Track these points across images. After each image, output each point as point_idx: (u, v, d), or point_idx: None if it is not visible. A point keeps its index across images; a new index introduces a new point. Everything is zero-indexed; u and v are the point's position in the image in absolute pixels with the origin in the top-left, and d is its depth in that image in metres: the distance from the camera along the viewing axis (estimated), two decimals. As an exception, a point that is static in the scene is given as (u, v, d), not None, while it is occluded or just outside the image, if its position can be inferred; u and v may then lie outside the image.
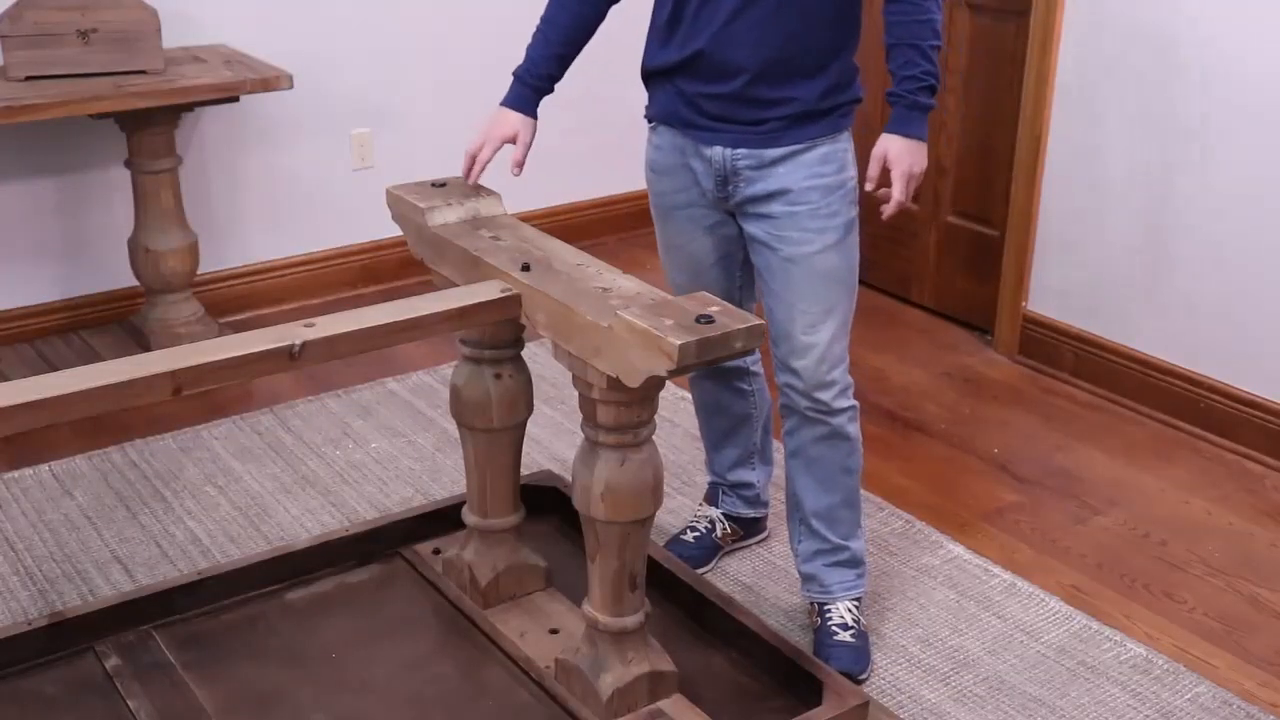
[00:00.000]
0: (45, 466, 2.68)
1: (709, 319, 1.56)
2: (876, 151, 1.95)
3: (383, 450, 2.79)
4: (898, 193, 1.94)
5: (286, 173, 3.43)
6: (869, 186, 1.99)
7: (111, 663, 1.92)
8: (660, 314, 1.58)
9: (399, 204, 1.96)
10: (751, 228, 2.00)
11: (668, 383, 1.66)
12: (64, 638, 1.95)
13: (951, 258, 3.48)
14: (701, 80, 1.94)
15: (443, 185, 1.97)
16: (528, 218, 3.58)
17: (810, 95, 1.92)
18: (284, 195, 3.45)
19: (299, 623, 2.03)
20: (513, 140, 1.96)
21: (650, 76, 2.02)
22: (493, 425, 1.94)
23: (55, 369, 2.76)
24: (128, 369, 1.48)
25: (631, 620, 1.79)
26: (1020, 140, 3.16)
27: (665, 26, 1.96)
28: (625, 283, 1.71)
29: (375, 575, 2.15)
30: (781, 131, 1.93)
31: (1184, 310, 2.93)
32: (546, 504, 2.29)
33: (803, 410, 2.04)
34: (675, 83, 1.97)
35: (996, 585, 2.37)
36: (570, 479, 1.82)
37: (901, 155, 1.93)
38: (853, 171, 1.99)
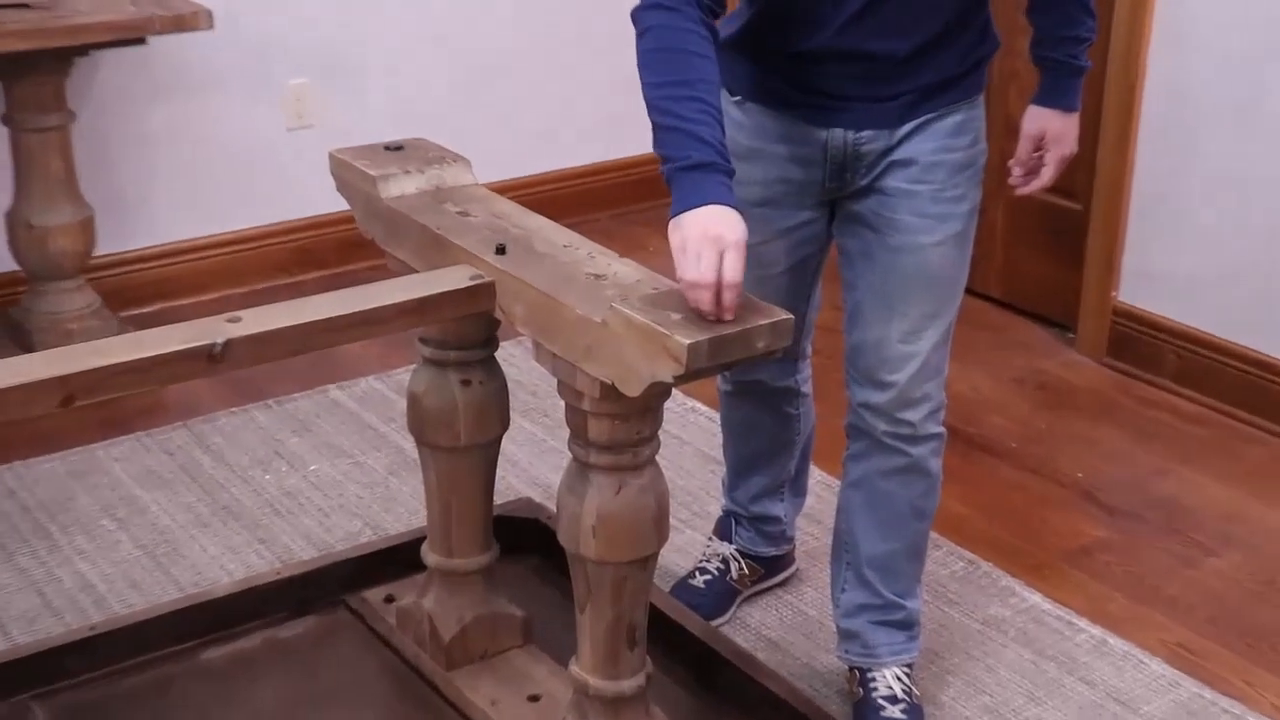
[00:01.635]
0: (-94, 494, 2.69)
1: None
2: (1030, 128, 2.03)
3: (324, 474, 2.79)
4: (1049, 178, 2.04)
5: (206, 133, 3.44)
6: (1017, 172, 2.06)
7: (-15, 738, 1.92)
8: (665, 306, 1.58)
9: (345, 171, 1.96)
10: (853, 204, 1.97)
11: (675, 391, 1.66)
12: (-75, 708, 1.95)
13: (1023, 237, 3.48)
14: (816, 63, 1.89)
15: (398, 149, 1.98)
16: (503, 188, 3.56)
17: (951, 60, 1.90)
18: (202, 160, 3.46)
19: (218, 689, 2.03)
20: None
21: (735, 46, 1.92)
22: (459, 443, 1.94)
23: (-81, 374, 2.75)
24: (5, 374, 1.48)
25: (630, 684, 1.79)
26: (1109, 88, 3.16)
27: (761, 18, 1.87)
28: (623, 268, 1.71)
29: (313, 629, 2.15)
30: (916, 104, 1.91)
31: (1312, 302, 2.94)
32: (525, 540, 2.29)
33: (879, 434, 2.04)
34: (778, 59, 1.91)
35: (1083, 643, 2.37)
36: (554, 509, 1.82)
37: (1063, 135, 2.02)
38: (985, 144, 1.99)
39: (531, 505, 2.39)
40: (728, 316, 1.54)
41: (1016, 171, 2.08)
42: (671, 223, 1.63)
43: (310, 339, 1.62)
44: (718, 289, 1.54)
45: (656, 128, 1.68)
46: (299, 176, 3.51)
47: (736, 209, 1.63)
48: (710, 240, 1.57)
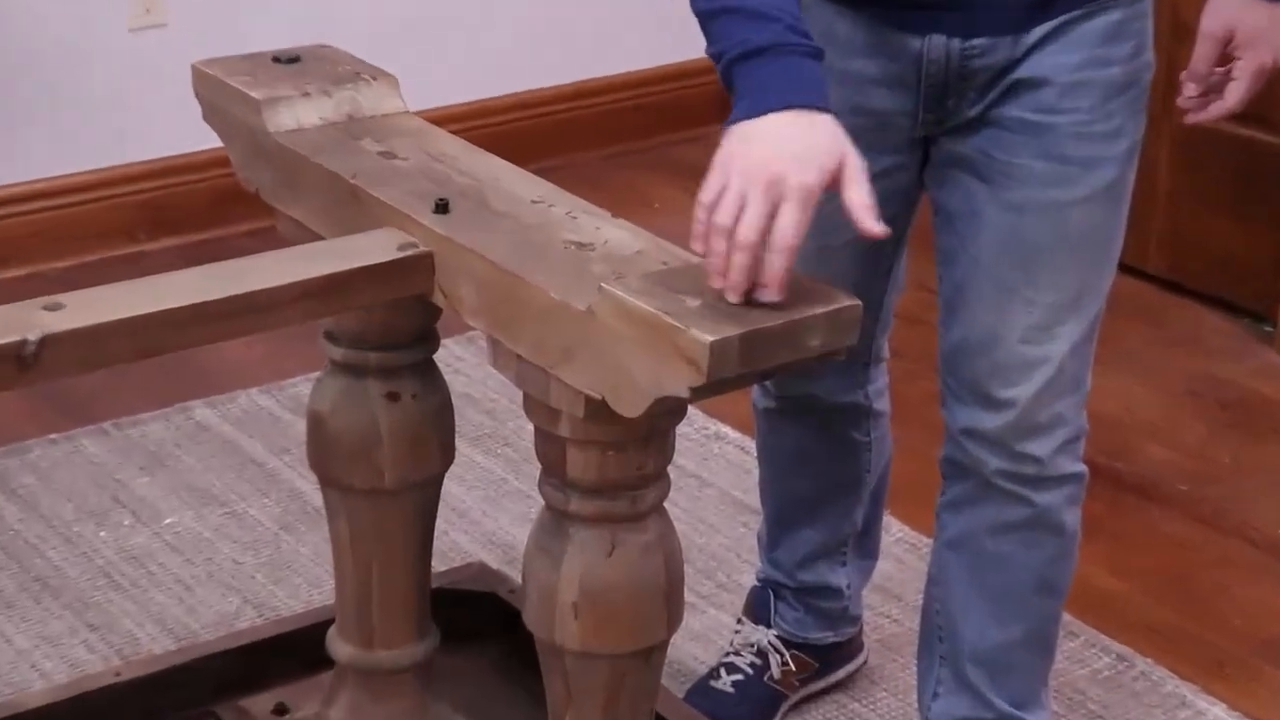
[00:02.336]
0: None
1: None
2: (1213, 25, 1.99)
3: (185, 529, 2.81)
4: (1237, 99, 1.99)
5: (10, 33, 3.44)
6: (1191, 89, 2.02)
7: None
8: (677, 288, 1.58)
9: (216, 92, 1.97)
10: (956, 143, 1.99)
11: (692, 410, 1.68)
12: None
13: (1198, 186, 3.49)
14: None
15: (294, 61, 1.99)
16: (446, 118, 3.58)
17: None
18: (5, 75, 3.47)
19: (37, 836, 2.04)
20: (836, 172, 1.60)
21: None
22: (383, 484, 1.96)
23: None
24: None
25: (628, 831, 1.81)
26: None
27: None
28: (617, 233, 1.72)
29: (172, 752, 2.17)
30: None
31: None
32: (478, 622, 2.31)
33: (989, 473, 2.05)
34: None
35: (1285, 774, 2.40)
36: (519, 578, 1.84)
37: (1260, 35, 1.98)
38: (1152, 55, 1.99)
39: (486, 573, 2.40)
40: (769, 296, 1.52)
41: (1190, 88, 2.05)
42: (726, 132, 1.61)
43: (165, 335, 1.63)
44: (755, 253, 1.52)
45: (704, 20, 1.68)
46: (148, 99, 3.52)
47: (829, 111, 1.61)
48: (765, 179, 1.55)
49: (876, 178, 1.99)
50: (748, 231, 1.53)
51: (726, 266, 1.53)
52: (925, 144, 2.02)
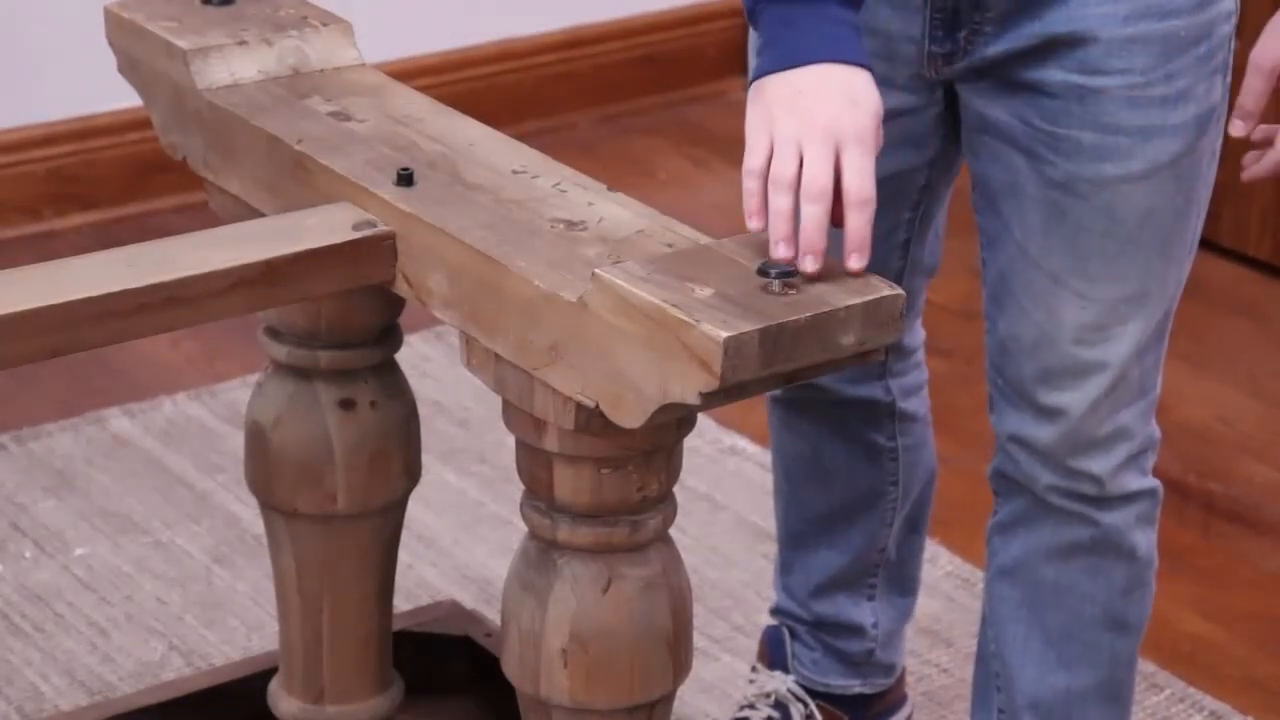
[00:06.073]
0: None
1: (787, 276, 1.58)
2: (1264, 57, 1.99)
3: (100, 561, 2.81)
4: None
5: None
6: (1237, 128, 2.02)
7: None
8: (685, 274, 1.59)
9: (133, 39, 1.97)
10: (989, 106, 1.99)
11: (701, 420, 1.68)
12: None
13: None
14: None
15: (229, 2, 1.99)
16: (409, 72, 3.59)
17: None
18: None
19: None
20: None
21: None
22: (335, 508, 1.96)
23: None
24: None
25: None
26: None
27: None
28: (613, 210, 1.73)
29: (85, 827, 2.18)
30: None
31: None
32: (449, 671, 2.31)
33: (1041, 489, 2.06)
34: None
35: None
36: (498, 620, 1.84)
37: None
38: (1233, 1, 1.98)
39: (459, 613, 2.40)
40: (855, 265, 1.58)
41: (1238, 125, 2.03)
42: (752, 88, 1.69)
43: (75, 331, 1.63)
44: (828, 205, 1.61)
45: None
46: (53, 48, 3.53)
47: (868, 68, 1.70)
48: (818, 128, 1.64)
49: (887, 118, 2.00)
50: (819, 180, 1.62)
51: (792, 229, 1.60)
52: (948, 94, 2.03)
